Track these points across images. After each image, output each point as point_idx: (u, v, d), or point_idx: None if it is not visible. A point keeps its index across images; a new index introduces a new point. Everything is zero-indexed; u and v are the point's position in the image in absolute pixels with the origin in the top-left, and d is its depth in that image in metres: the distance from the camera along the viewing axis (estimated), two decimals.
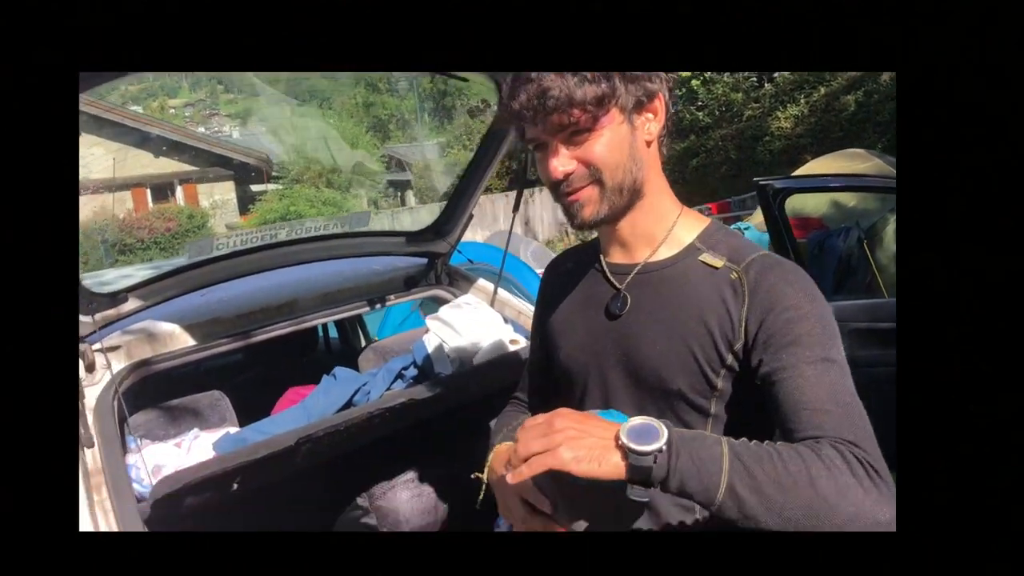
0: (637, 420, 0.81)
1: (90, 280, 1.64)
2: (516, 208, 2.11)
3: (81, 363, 1.53)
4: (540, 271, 6.85)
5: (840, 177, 2.62)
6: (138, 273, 2.23)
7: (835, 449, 0.78)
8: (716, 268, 0.97)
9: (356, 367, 2.03)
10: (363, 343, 3.17)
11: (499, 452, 1.07)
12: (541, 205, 14.27)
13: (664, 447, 0.78)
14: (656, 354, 0.98)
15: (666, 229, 1.03)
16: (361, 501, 1.82)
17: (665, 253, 1.02)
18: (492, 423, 2.01)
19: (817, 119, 11.37)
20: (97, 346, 1.57)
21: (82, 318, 1.51)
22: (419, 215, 13.11)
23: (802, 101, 11.75)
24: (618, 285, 1.04)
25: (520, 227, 13.86)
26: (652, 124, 0.99)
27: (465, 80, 1.70)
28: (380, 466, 1.84)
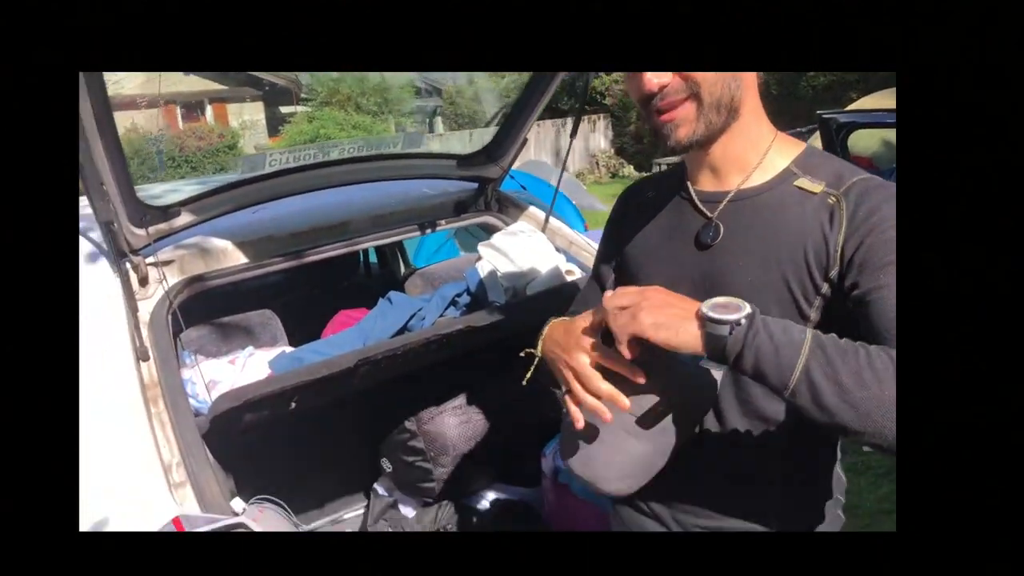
0: (723, 297, 0.81)
1: (140, 194, 1.61)
2: (573, 134, 2.04)
3: (135, 276, 1.52)
4: (575, 201, 6.76)
5: None
6: (185, 188, 2.21)
7: None
8: (814, 193, 0.92)
9: (401, 292, 2.00)
10: (403, 268, 3.15)
11: (554, 325, 1.02)
12: None
13: (743, 320, 0.77)
14: (747, 286, 0.93)
15: (760, 153, 0.96)
16: (409, 424, 1.83)
17: (759, 179, 0.96)
18: None
19: None
20: (151, 260, 1.55)
21: (136, 230, 1.49)
22: (448, 142, 12.91)
23: None
24: (709, 214, 0.99)
25: (550, 158, 13.66)
26: None
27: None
28: (428, 391, 1.84)
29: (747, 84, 0.93)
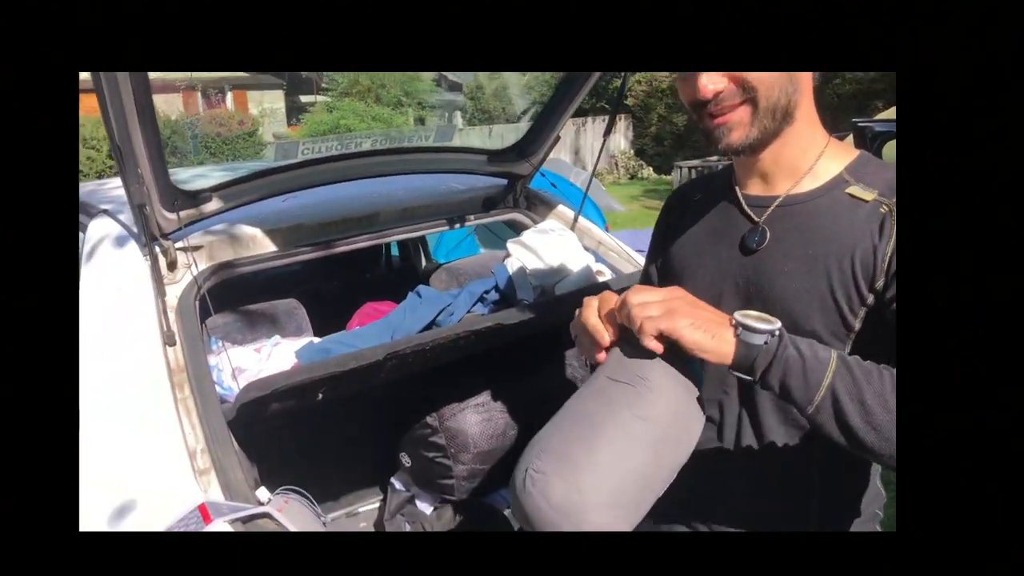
0: (752, 311, 0.81)
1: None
2: (607, 134, 2.02)
3: (164, 260, 1.52)
4: (594, 201, 6.74)
5: None
6: (212, 173, 2.20)
7: None
8: (865, 201, 0.89)
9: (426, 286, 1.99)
10: (424, 263, 3.14)
11: (588, 301, 0.94)
12: (593, 135, 13.97)
13: (776, 332, 0.78)
14: (791, 292, 0.91)
15: (812, 160, 0.94)
16: (430, 420, 1.81)
17: (809, 185, 0.94)
18: (569, 352, 1.98)
19: None
20: (180, 244, 1.55)
21: (167, 215, 1.48)
22: (468, 137, 12.91)
23: None
24: (756, 218, 0.97)
25: (569, 156, 13.63)
26: None
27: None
28: (452, 386, 1.82)
29: (803, 88, 0.91)
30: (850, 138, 2.66)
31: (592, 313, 0.90)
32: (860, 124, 2.39)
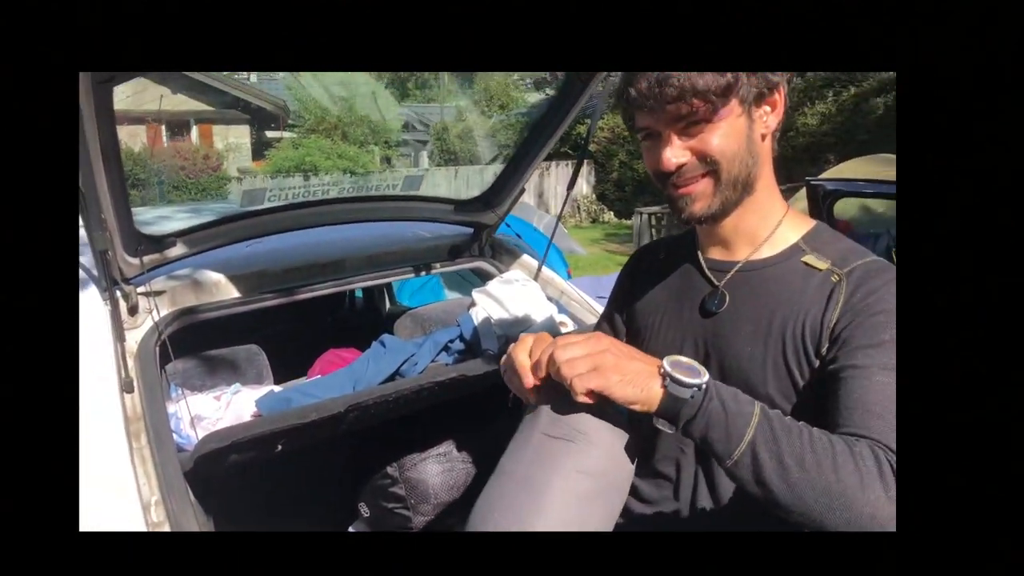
0: (680, 356, 0.81)
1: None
2: (571, 186, 2.06)
3: (124, 305, 1.49)
4: (557, 244, 6.81)
5: (886, 184, 2.55)
6: (176, 215, 2.19)
7: (871, 450, 0.75)
8: (819, 270, 0.94)
9: (386, 331, 1.98)
10: (388, 305, 3.13)
11: (523, 338, 0.96)
12: (556, 179, 14.18)
13: (704, 384, 0.78)
14: (747, 356, 0.95)
15: (770, 228, 0.99)
16: (391, 471, 1.80)
17: (767, 252, 0.98)
18: None
19: (844, 118, 11.19)
20: (142, 289, 1.53)
21: (130, 259, 1.46)
22: (433, 177, 12.98)
23: (830, 99, 11.56)
24: (716, 282, 1.00)
25: (533, 199, 13.78)
26: (770, 117, 0.94)
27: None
28: (413, 436, 1.81)
29: (763, 160, 0.96)
30: (803, 192, 2.76)
31: (523, 353, 0.90)
32: (812, 183, 2.49)
